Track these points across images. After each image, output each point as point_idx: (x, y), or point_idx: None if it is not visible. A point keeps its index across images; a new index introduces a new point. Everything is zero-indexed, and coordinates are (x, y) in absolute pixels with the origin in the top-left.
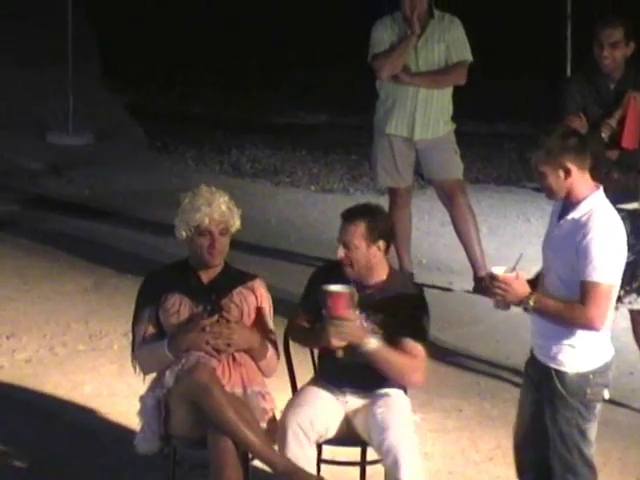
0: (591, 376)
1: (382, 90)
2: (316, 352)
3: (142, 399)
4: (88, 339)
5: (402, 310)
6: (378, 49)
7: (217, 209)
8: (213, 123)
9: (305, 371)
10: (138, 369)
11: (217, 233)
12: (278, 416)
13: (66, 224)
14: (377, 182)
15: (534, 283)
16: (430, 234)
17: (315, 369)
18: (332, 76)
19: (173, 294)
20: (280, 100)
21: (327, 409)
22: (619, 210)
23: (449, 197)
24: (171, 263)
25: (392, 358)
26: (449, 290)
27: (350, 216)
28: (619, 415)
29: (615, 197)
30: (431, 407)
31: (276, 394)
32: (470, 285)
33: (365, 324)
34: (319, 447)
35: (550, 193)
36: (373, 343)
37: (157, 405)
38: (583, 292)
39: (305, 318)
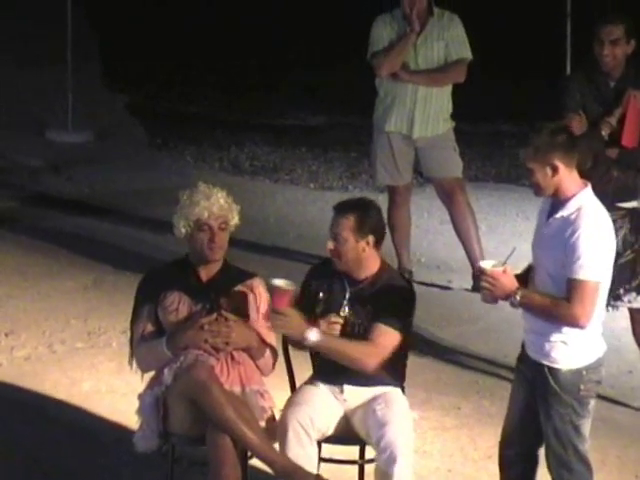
0: (584, 372)
1: (381, 88)
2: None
3: (141, 397)
4: (87, 336)
5: (386, 300)
6: (377, 47)
7: (216, 203)
8: (213, 123)
9: (304, 369)
10: (135, 366)
11: (216, 227)
12: (277, 414)
13: (66, 222)
14: (376, 180)
15: (523, 278)
16: (429, 232)
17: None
18: (332, 76)
19: (172, 292)
20: (280, 100)
21: (326, 407)
22: (619, 208)
23: (448, 195)
24: (170, 261)
25: (339, 347)
26: (448, 288)
27: (342, 209)
28: (618, 413)
29: (615, 195)
30: (430, 405)
31: (275, 392)
32: (469, 283)
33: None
34: (318, 445)
35: (538, 190)
36: (313, 337)
37: (156, 403)
38: (569, 289)
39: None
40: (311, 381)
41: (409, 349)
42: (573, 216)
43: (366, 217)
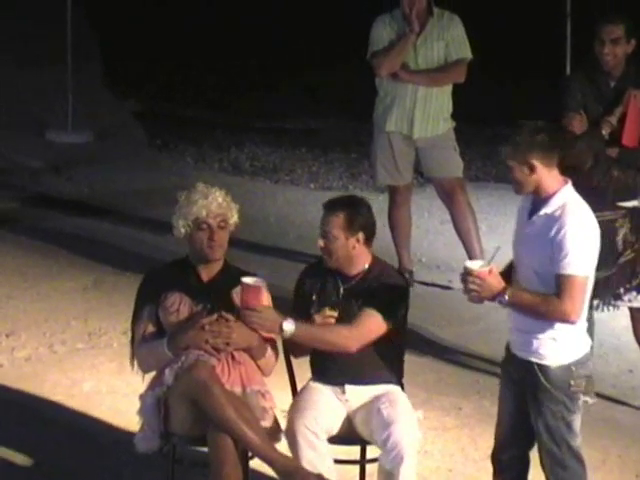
0: (573, 368)
1: (381, 88)
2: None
3: (142, 398)
4: (87, 337)
5: (376, 290)
6: (377, 47)
7: (214, 201)
8: (213, 123)
9: (304, 369)
10: (136, 367)
11: (215, 226)
12: (278, 415)
13: (65, 222)
14: (376, 180)
15: (506, 275)
16: (430, 232)
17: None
18: (332, 76)
19: (173, 292)
20: (280, 101)
21: (330, 409)
22: (619, 208)
23: (449, 195)
24: (171, 261)
25: (319, 333)
26: (449, 288)
27: (331, 206)
28: (619, 413)
29: (615, 195)
30: (430, 405)
31: (276, 392)
32: None
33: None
34: None
35: (517, 187)
36: (290, 326)
37: (157, 403)
38: (558, 285)
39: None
40: (312, 383)
41: (404, 344)
42: (557, 213)
43: (356, 214)
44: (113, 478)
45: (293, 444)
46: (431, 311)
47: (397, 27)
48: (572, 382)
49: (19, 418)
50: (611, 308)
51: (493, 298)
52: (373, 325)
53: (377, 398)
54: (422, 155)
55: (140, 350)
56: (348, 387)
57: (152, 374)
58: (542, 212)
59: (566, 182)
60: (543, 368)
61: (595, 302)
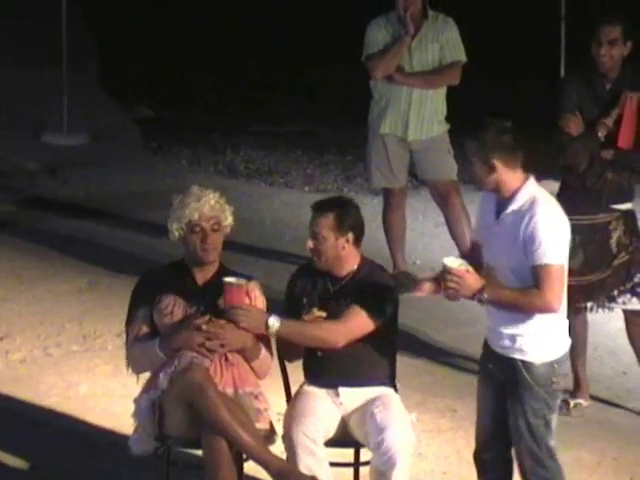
0: (555, 365)
1: (376, 90)
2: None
3: (136, 401)
4: (82, 339)
5: (364, 289)
6: (372, 49)
7: (206, 204)
8: (209, 127)
9: (299, 371)
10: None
11: (209, 229)
12: (272, 416)
13: (61, 224)
14: (371, 182)
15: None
16: (424, 235)
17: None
18: (332, 76)
19: (168, 295)
20: (279, 101)
21: (326, 413)
22: (613, 210)
23: (443, 198)
24: (167, 263)
25: (305, 328)
26: None
27: (320, 207)
28: (613, 415)
29: (609, 197)
30: (425, 407)
31: (270, 395)
32: None
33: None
34: None
35: (477, 182)
36: (276, 323)
37: (151, 407)
38: (536, 276)
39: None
40: (307, 387)
41: (396, 344)
42: (525, 207)
43: (345, 215)
44: None
45: (291, 451)
46: (426, 313)
47: (392, 30)
48: (554, 379)
49: (14, 421)
50: (605, 310)
51: (472, 296)
52: (360, 321)
53: (371, 401)
54: (417, 158)
55: (132, 350)
56: (342, 389)
57: (147, 376)
58: (509, 210)
59: (528, 178)
60: (527, 365)
61: (589, 304)
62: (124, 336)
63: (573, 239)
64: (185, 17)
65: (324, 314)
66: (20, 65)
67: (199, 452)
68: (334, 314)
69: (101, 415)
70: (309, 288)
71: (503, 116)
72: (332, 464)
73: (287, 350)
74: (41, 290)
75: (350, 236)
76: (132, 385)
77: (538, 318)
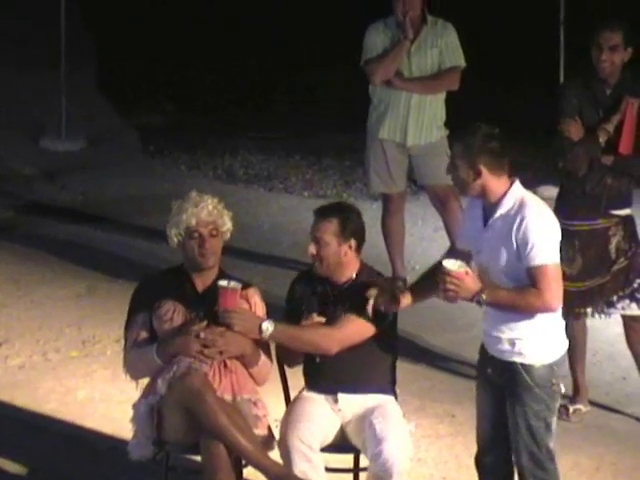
0: (555, 367)
1: (375, 95)
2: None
3: (135, 406)
4: (81, 345)
5: (361, 295)
6: (371, 54)
7: (204, 209)
8: (207, 131)
9: (298, 377)
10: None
11: (207, 234)
12: (271, 423)
13: (59, 229)
14: (370, 188)
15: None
16: (423, 240)
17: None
18: (332, 76)
19: (167, 301)
20: (278, 102)
21: (324, 419)
22: (612, 216)
23: (442, 203)
24: (166, 269)
25: (299, 333)
26: None
27: (323, 213)
28: (612, 420)
29: (608, 202)
30: (424, 413)
31: (269, 401)
32: None
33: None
34: None
35: (461, 187)
36: (270, 327)
37: (150, 412)
38: (532, 277)
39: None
40: (306, 393)
41: (396, 351)
42: (513, 211)
43: (348, 220)
44: None
45: (286, 456)
46: (425, 318)
47: (391, 34)
48: (553, 380)
49: (13, 426)
50: (604, 316)
51: (471, 298)
52: (355, 328)
53: (370, 410)
54: (415, 163)
55: (130, 355)
56: (341, 396)
57: (145, 382)
58: (497, 214)
59: (513, 182)
60: (527, 367)
61: (589, 310)
62: (123, 341)
63: (572, 244)
64: (185, 17)
65: (323, 320)
66: (19, 66)
67: (198, 457)
68: (332, 320)
69: (100, 420)
70: (309, 293)
71: (492, 122)
72: (331, 470)
73: (287, 355)
74: (39, 295)
75: (353, 242)
76: (131, 390)
77: (535, 320)
